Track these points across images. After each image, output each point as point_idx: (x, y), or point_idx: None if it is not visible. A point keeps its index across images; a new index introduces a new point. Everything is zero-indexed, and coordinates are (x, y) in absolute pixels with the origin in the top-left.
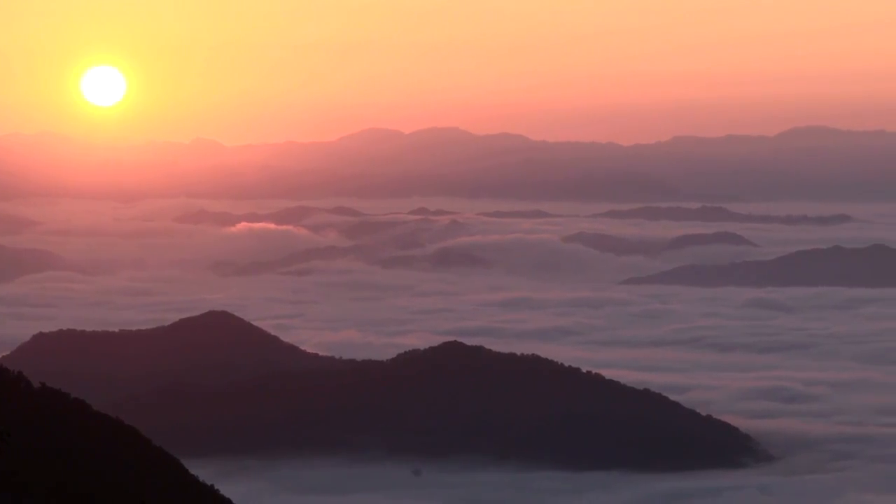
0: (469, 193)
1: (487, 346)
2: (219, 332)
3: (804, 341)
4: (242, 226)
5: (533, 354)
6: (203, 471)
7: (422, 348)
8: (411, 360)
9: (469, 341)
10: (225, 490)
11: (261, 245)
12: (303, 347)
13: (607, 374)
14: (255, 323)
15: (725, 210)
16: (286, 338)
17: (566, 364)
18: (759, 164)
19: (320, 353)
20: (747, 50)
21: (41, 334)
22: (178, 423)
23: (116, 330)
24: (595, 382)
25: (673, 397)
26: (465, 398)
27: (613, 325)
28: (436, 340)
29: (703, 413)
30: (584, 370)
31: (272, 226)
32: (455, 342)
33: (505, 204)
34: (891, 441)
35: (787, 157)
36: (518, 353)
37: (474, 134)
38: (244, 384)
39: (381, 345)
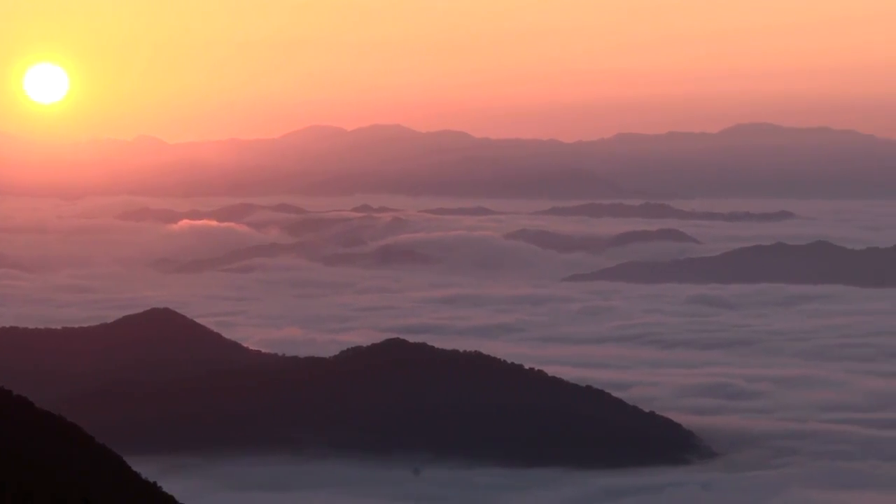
0: (411, 191)
1: (430, 343)
2: (161, 329)
3: (747, 338)
4: (185, 223)
5: (476, 351)
6: (145, 468)
7: (364, 345)
8: (354, 357)
9: (412, 338)
10: (167, 487)
11: (203, 242)
12: (245, 344)
13: (550, 370)
14: (198, 320)
15: (668, 207)
16: (229, 335)
17: (509, 361)
18: (702, 162)
19: (263, 350)
20: (690, 47)
21: None
22: (120, 421)
23: (59, 327)
24: (537, 379)
25: (616, 394)
26: (407, 395)
27: (556, 322)
28: (378, 337)
29: (646, 409)
30: (526, 367)
31: (215, 223)
32: (398, 339)
33: (447, 201)
34: (833, 437)
35: (731, 154)
36: (461, 349)
37: (417, 131)
38: (187, 381)
39: (324, 342)
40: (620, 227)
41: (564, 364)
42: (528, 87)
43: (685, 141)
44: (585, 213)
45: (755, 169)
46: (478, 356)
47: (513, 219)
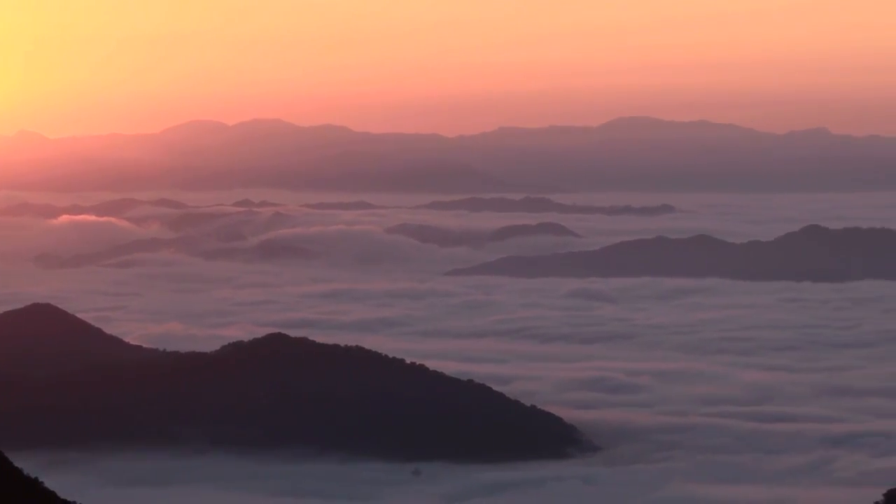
0: (293, 185)
1: (311, 338)
2: (42, 324)
3: (627, 331)
4: (65, 218)
5: (357, 346)
6: (27, 463)
7: (245, 340)
8: (235, 352)
9: (293, 333)
10: (49, 483)
11: (84, 237)
12: (126, 339)
13: (431, 364)
14: (79, 315)
15: (549, 201)
16: (109, 330)
17: (390, 355)
18: (583, 155)
19: (144, 346)
20: (571, 42)
21: None
22: (1, 416)
23: None
24: (419, 373)
25: (497, 388)
26: (288, 389)
27: (436, 316)
28: (259, 332)
29: (528, 404)
30: (407, 361)
31: (95, 218)
32: (279, 334)
33: (328, 195)
34: (714, 431)
35: (611, 147)
36: (342, 344)
37: (297, 126)
38: (68, 376)
39: (205, 337)
40: (501, 221)
41: (445, 358)
42: (409, 81)
43: (566, 135)
44: (466, 208)
45: (636, 163)
46: (359, 350)
47: (394, 213)
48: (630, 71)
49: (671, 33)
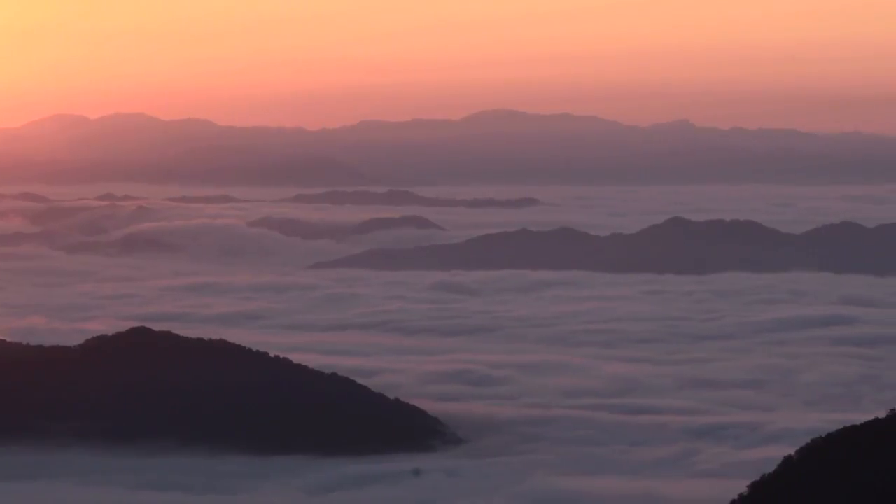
0: (156, 179)
1: (174, 331)
2: None
3: (490, 324)
4: None
5: (220, 339)
6: None
7: (109, 334)
8: (98, 346)
9: (156, 326)
10: None
11: None
12: None
13: (295, 357)
14: None
15: (412, 194)
16: None
17: (254, 348)
18: (446, 148)
19: (6, 339)
20: (433, 35)
21: None
22: None
23: None
24: (283, 366)
25: (360, 381)
26: (152, 383)
27: (299, 310)
28: (123, 326)
29: (391, 396)
30: (271, 354)
31: None
32: (142, 327)
33: (192, 189)
34: (577, 423)
35: (474, 140)
36: (205, 337)
37: (160, 119)
38: None
39: (68, 331)
40: (364, 214)
41: (309, 351)
42: (272, 74)
43: (429, 128)
44: (329, 201)
45: (499, 155)
46: (222, 344)
47: (257, 206)
48: (492, 64)
49: (534, 26)
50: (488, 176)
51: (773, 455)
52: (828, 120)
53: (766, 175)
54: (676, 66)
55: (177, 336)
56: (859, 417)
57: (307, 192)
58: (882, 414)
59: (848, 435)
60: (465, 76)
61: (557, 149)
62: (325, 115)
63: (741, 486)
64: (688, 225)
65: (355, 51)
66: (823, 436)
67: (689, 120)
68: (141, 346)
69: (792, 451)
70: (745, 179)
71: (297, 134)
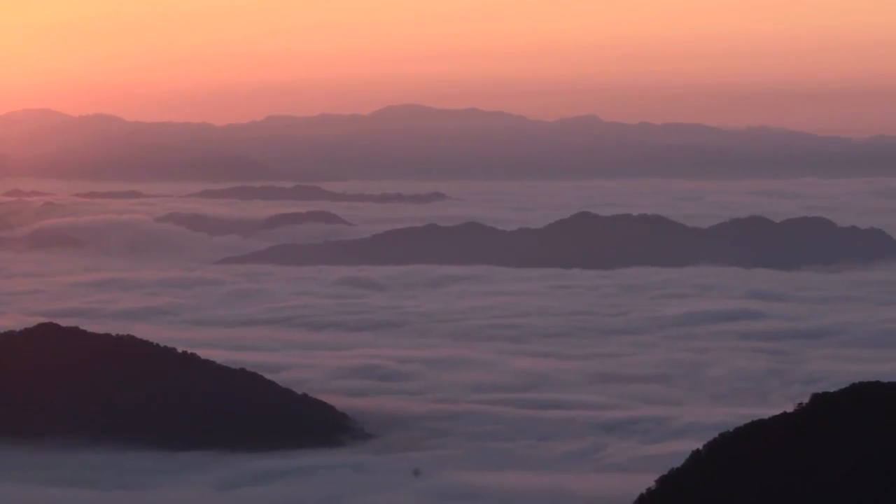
0: (63, 175)
1: (82, 327)
2: None
3: (397, 319)
4: None
5: (128, 335)
6: None
7: (17, 329)
8: (6, 342)
9: (63, 322)
10: None
11: None
12: None
13: (202, 353)
14: None
15: (319, 189)
16: None
17: (161, 344)
18: (353, 143)
19: None
20: (341, 31)
21: None
22: None
23: None
24: (190, 362)
25: (268, 376)
26: (60, 379)
27: (206, 305)
28: (30, 322)
29: (299, 392)
30: (178, 350)
31: None
32: (50, 323)
33: (99, 185)
34: (484, 418)
35: (382, 135)
36: (113, 333)
37: (67, 115)
38: None
39: None
40: (271, 209)
41: (216, 347)
42: (179, 70)
43: (336, 123)
44: (236, 196)
45: (406, 151)
46: (129, 339)
47: (164, 202)
48: (399, 60)
49: (440, 22)
50: (396, 171)
51: (681, 449)
52: (735, 115)
53: (673, 170)
54: (584, 61)
55: (84, 332)
56: (767, 412)
57: (214, 187)
58: (789, 408)
59: (755, 429)
60: (373, 72)
61: (465, 144)
62: (233, 110)
63: (649, 481)
64: (595, 219)
65: (263, 46)
66: (731, 430)
67: (597, 115)
68: (48, 342)
69: (700, 445)
70: (653, 174)
71: (205, 130)
